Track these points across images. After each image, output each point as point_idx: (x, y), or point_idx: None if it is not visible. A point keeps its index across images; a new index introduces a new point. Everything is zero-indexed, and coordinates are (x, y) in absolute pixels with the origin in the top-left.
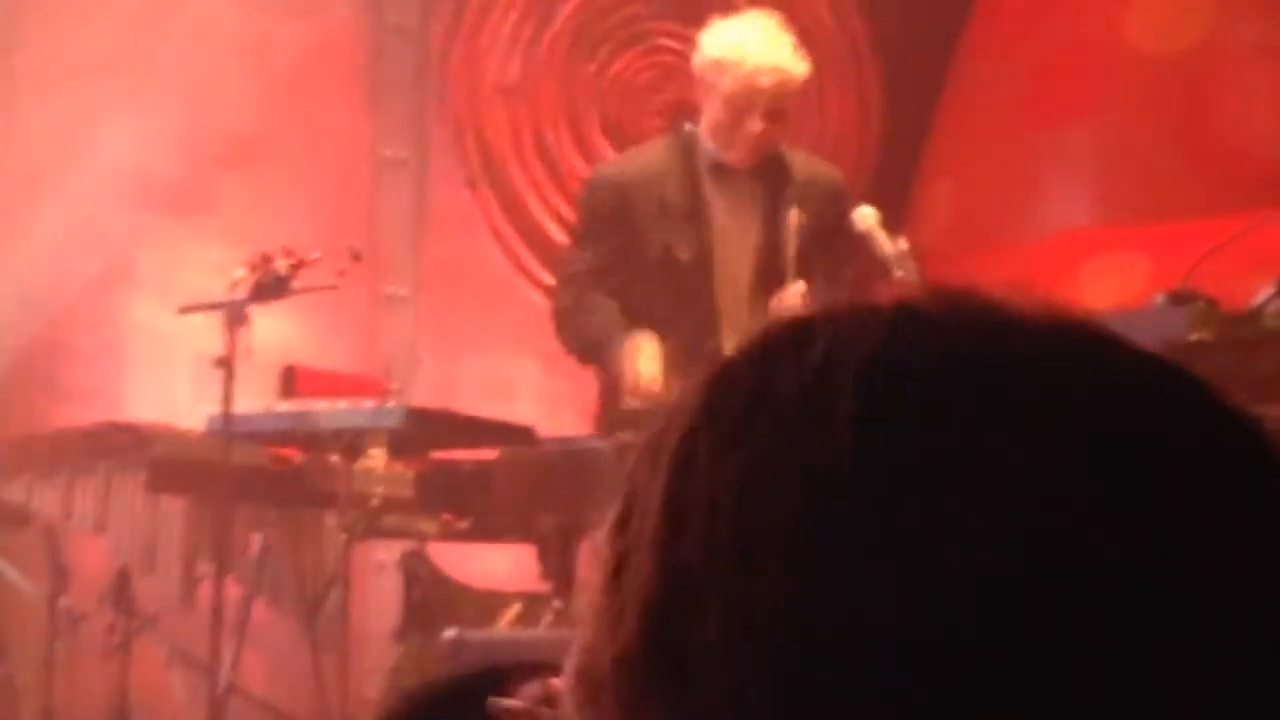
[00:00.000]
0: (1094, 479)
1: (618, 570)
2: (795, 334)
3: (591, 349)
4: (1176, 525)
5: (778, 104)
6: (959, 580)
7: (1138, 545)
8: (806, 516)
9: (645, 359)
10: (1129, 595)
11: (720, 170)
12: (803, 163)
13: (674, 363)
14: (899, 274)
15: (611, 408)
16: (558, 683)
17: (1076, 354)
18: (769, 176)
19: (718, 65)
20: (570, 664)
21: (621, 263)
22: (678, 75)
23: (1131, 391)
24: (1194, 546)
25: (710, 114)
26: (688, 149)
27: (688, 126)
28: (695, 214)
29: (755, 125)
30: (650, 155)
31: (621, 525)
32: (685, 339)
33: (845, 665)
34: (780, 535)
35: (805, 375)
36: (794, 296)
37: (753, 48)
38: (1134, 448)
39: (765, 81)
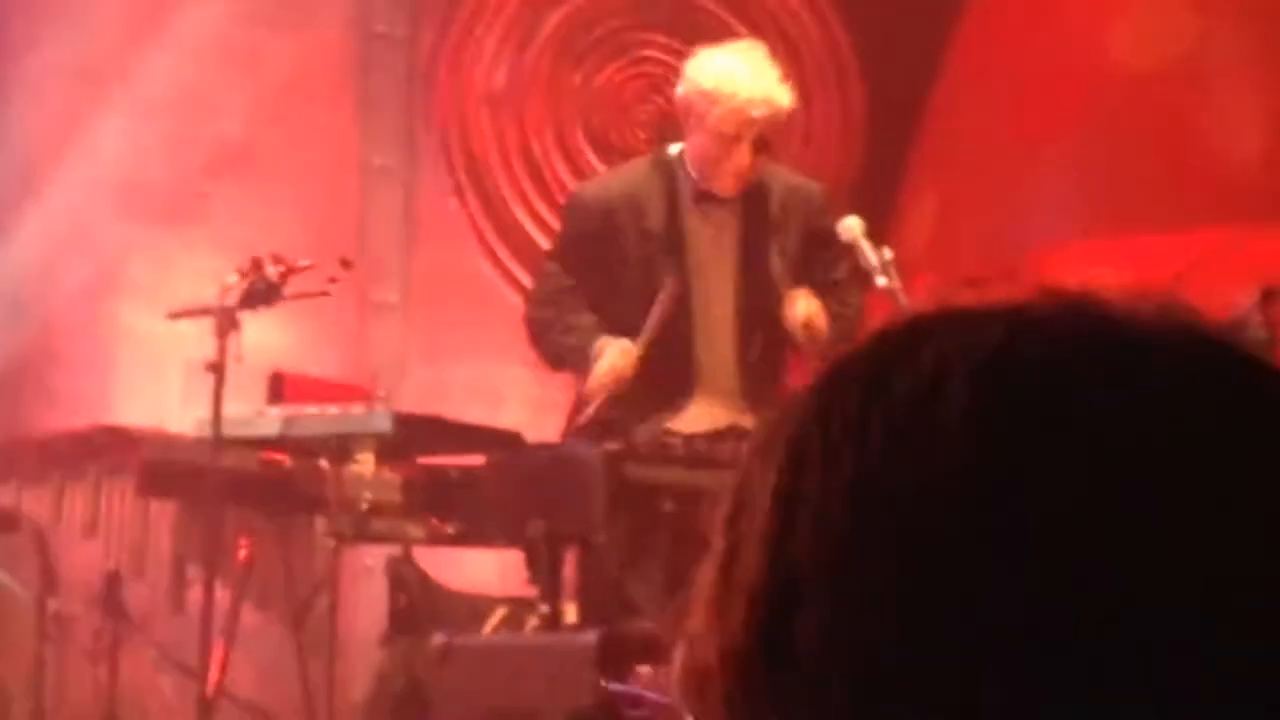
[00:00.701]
0: (1179, 486)
1: (727, 563)
2: (908, 336)
3: (569, 353)
4: (1252, 540)
5: (765, 135)
6: (1068, 577)
7: (1218, 554)
8: (918, 514)
9: (618, 355)
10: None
11: (702, 197)
12: (781, 180)
13: (648, 386)
14: (884, 284)
15: (572, 420)
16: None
17: (1188, 361)
18: (750, 203)
19: (706, 96)
20: (679, 654)
21: (601, 283)
22: (663, 87)
23: (1231, 402)
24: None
25: (696, 144)
26: (670, 174)
27: (670, 149)
28: (675, 242)
29: (743, 157)
30: (634, 177)
31: (732, 520)
32: (659, 364)
33: (952, 659)
34: (891, 532)
35: (918, 377)
36: (802, 304)
37: (743, 79)
38: (1220, 455)
39: (756, 114)
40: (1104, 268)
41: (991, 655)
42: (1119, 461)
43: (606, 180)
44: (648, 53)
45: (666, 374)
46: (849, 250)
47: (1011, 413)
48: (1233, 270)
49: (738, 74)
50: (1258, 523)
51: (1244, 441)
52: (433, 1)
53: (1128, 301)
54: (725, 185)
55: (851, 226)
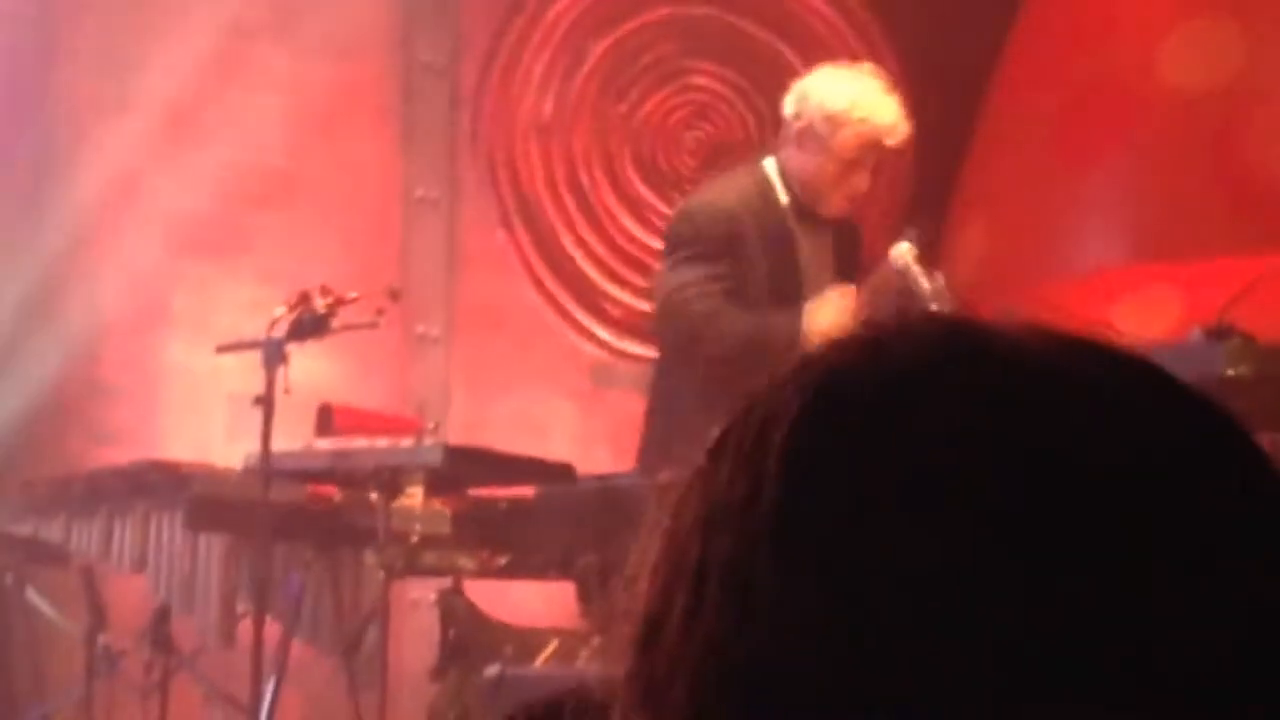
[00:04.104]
0: (1005, 535)
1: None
2: (793, 368)
3: (756, 331)
4: (1071, 578)
5: (883, 160)
6: (855, 623)
7: (1035, 598)
8: (738, 536)
9: (842, 302)
10: (1016, 643)
11: (803, 214)
12: None
13: None
14: (936, 309)
15: (660, 438)
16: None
17: (1044, 383)
18: (841, 224)
19: (833, 119)
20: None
21: (734, 281)
22: (710, 114)
23: (1084, 426)
24: (1088, 600)
25: (812, 164)
26: (770, 188)
27: (764, 163)
28: (788, 247)
29: (862, 181)
30: (742, 185)
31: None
32: None
33: (759, 681)
34: (719, 567)
35: (772, 404)
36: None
37: (874, 105)
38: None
39: (889, 141)
40: (1155, 292)
41: (781, 679)
42: (915, 485)
43: (719, 188)
44: (695, 80)
45: None
46: (901, 278)
47: (822, 431)
48: None
49: (869, 99)
50: (1046, 570)
51: (1069, 464)
52: (477, 30)
53: (1011, 327)
54: (837, 207)
55: (904, 252)
